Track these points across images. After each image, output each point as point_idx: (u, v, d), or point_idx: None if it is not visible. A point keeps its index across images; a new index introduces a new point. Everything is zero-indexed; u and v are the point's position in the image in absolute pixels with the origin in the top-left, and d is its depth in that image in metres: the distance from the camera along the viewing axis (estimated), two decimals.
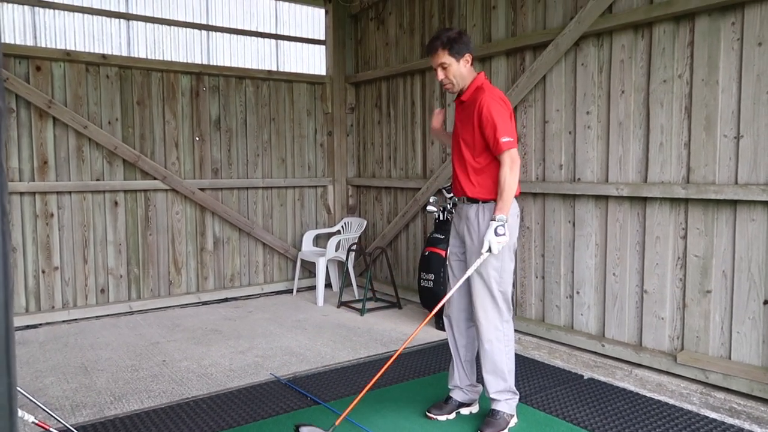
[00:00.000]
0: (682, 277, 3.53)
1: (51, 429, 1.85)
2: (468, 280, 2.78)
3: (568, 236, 4.16)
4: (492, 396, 2.80)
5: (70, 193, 4.94)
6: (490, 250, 2.59)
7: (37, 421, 1.87)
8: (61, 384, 3.49)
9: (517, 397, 2.86)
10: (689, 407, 3.09)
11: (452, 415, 2.95)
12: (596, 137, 3.97)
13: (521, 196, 4.44)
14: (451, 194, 3.73)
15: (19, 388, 2.22)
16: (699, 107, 3.42)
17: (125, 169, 5.18)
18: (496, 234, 2.57)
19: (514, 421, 2.83)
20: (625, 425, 2.87)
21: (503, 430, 2.75)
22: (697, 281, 3.46)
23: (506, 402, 2.80)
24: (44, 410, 2.37)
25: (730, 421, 2.92)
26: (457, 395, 2.98)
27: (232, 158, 5.74)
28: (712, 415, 3.00)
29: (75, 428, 2.60)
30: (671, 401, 3.17)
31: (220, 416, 2.99)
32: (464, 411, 3.00)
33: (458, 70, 2.76)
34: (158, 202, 5.36)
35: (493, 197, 2.71)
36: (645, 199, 3.70)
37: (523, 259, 4.47)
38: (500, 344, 2.77)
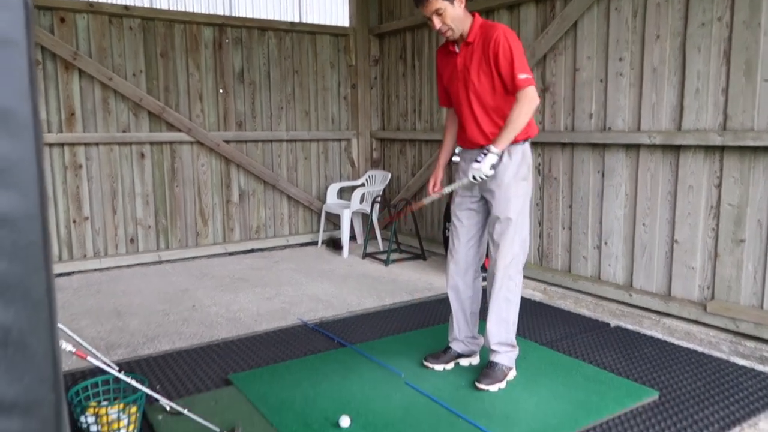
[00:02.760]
0: (715, 226, 3.46)
1: (88, 358, 1.91)
2: (487, 228, 2.73)
3: (596, 186, 4.09)
4: (492, 347, 2.73)
5: (97, 144, 4.99)
6: (475, 178, 2.52)
7: (75, 350, 1.92)
8: (95, 326, 3.59)
9: (517, 350, 2.78)
10: (718, 354, 3.07)
11: (450, 365, 2.88)
12: (628, 85, 3.85)
13: (548, 146, 4.38)
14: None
15: (60, 325, 2.29)
16: (739, 51, 3.29)
17: (151, 122, 5.20)
18: (477, 161, 2.50)
19: (512, 374, 2.75)
20: (653, 370, 2.86)
21: (500, 382, 2.66)
22: (731, 230, 3.39)
23: (506, 354, 2.73)
24: (83, 345, 2.45)
25: (760, 368, 2.90)
26: (457, 346, 2.90)
27: (256, 111, 5.72)
28: (742, 362, 2.97)
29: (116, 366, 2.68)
30: (700, 349, 3.15)
31: (250, 356, 3.06)
32: (464, 362, 2.92)
33: (454, 13, 2.58)
34: (184, 154, 5.39)
35: (516, 139, 2.60)
36: (678, 148, 3.60)
37: (550, 210, 4.42)
38: (511, 294, 2.71)
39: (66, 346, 1.90)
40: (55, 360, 0.84)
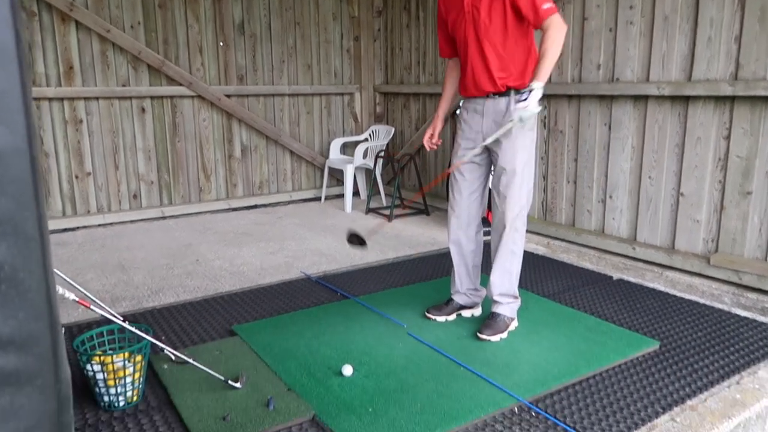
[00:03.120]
0: (722, 179, 3.42)
1: (91, 307, 1.92)
2: (492, 180, 2.70)
3: (603, 139, 4.03)
4: (495, 298, 2.73)
5: (97, 99, 4.92)
6: (522, 119, 2.38)
7: (77, 299, 1.93)
8: (100, 279, 3.62)
9: (519, 301, 2.78)
10: (720, 306, 3.07)
11: (452, 317, 2.89)
12: (638, 34, 3.74)
13: (554, 98, 4.30)
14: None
15: (62, 274, 2.30)
16: None
17: (150, 75, 5.12)
18: (521, 100, 2.36)
19: (514, 324, 2.76)
20: (654, 321, 2.87)
21: (502, 332, 2.67)
22: (738, 183, 3.34)
23: (508, 305, 2.73)
24: (88, 296, 2.46)
25: (761, 319, 2.90)
26: (459, 298, 2.91)
27: (257, 64, 5.62)
28: (744, 313, 2.98)
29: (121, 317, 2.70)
30: (702, 301, 3.15)
31: (253, 308, 3.08)
32: (466, 313, 2.93)
33: None
34: (185, 108, 5.33)
35: (525, 82, 2.54)
36: (687, 99, 3.53)
37: (555, 164, 4.37)
38: (516, 247, 2.69)
39: (69, 295, 1.90)
40: (50, 297, 0.83)
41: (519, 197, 2.64)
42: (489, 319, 2.74)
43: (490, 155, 2.71)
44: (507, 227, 2.65)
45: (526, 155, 2.62)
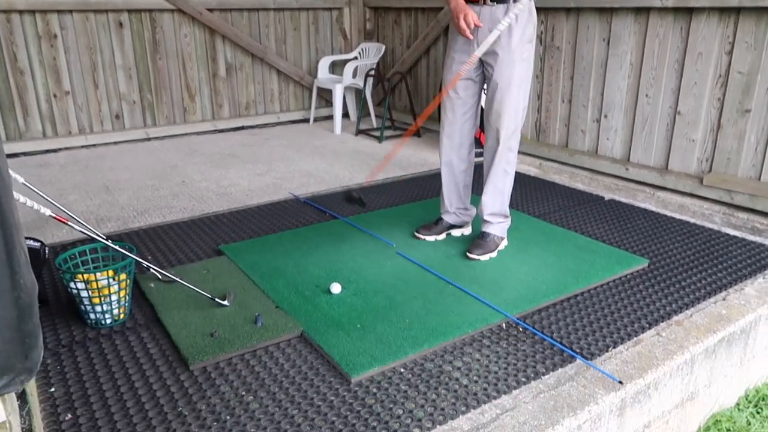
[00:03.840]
0: (721, 96, 3.32)
1: (68, 223, 1.86)
2: (487, 96, 2.59)
3: (601, 56, 3.88)
4: (486, 218, 2.70)
5: (71, 12, 4.65)
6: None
7: (54, 215, 1.87)
8: (84, 201, 3.55)
9: (510, 221, 2.76)
10: (710, 226, 3.06)
11: (441, 236, 2.86)
12: None
13: (551, 12, 4.10)
14: None
15: (36, 189, 2.22)
16: None
17: None
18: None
19: (504, 244, 2.75)
20: (644, 240, 2.87)
21: (492, 252, 2.66)
22: (737, 100, 3.25)
23: (499, 225, 2.71)
24: (71, 215, 2.40)
25: (751, 238, 2.90)
26: (449, 218, 2.87)
27: None
28: (733, 233, 2.97)
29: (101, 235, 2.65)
30: (692, 220, 3.14)
31: (241, 229, 3.04)
32: (455, 233, 2.91)
33: None
34: (165, 23, 5.06)
35: None
36: (691, 11, 3.36)
37: (550, 83, 4.24)
38: (509, 166, 2.64)
39: (43, 210, 1.84)
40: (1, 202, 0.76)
41: (515, 115, 2.55)
42: (479, 239, 2.71)
43: (484, 70, 2.59)
44: (500, 146, 2.58)
45: (524, 70, 2.51)
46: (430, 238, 2.86)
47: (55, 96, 4.73)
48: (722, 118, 3.33)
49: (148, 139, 5.11)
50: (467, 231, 2.94)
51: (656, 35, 3.55)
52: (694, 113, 3.45)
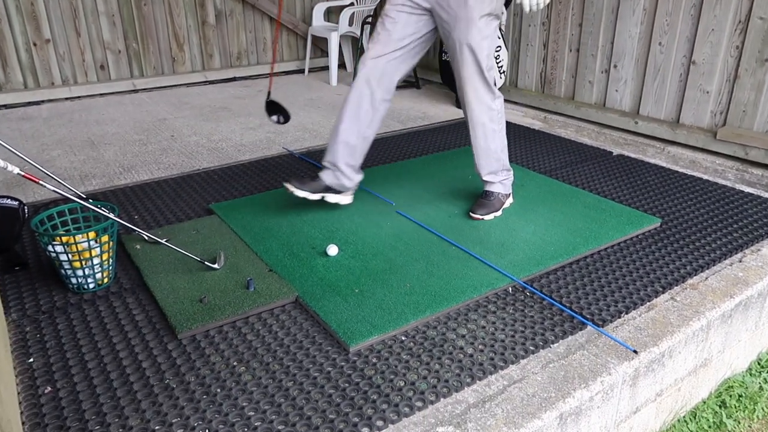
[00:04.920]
0: (740, 44, 3.13)
1: (40, 182, 1.71)
2: (452, 58, 2.34)
3: (612, 1, 3.66)
4: (485, 178, 2.53)
5: None
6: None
7: (23, 173, 1.72)
8: (68, 156, 3.38)
9: (512, 174, 2.59)
10: (723, 182, 2.93)
11: (316, 196, 2.43)
12: None
13: None
14: None
15: (17, 151, 2.07)
16: None
17: None
18: None
19: (509, 201, 2.60)
20: (655, 198, 2.74)
21: (497, 211, 2.51)
22: (756, 49, 3.07)
23: (501, 183, 2.54)
24: (52, 177, 2.25)
25: (766, 195, 2.77)
26: (326, 176, 2.45)
27: None
28: (748, 189, 2.84)
29: (84, 195, 2.51)
30: (705, 177, 3.00)
31: (232, 186, 2.90)
32: (331, 198, 2.46)
33: None
34: None
35: None
36: None
37: (557, 31, 4.02)
38: (493, 125, 2.42)
39: (11, 167, 1.69)
40: None
41: (481, 80, 2.31)
42: (482, 198, 2.56)
43: (434, 21, 2.31)
44: (473, 106, 2.38)
45: (485, 27, 2.25)
46: (301, 194, 2.41)
47: (35, 44, 4.49)
48: (740, 68, 3.15)
49: (136, 91, 4.90)
50: (345, 201, 2.52)
51: None
52: (710, 63, 3.26)
